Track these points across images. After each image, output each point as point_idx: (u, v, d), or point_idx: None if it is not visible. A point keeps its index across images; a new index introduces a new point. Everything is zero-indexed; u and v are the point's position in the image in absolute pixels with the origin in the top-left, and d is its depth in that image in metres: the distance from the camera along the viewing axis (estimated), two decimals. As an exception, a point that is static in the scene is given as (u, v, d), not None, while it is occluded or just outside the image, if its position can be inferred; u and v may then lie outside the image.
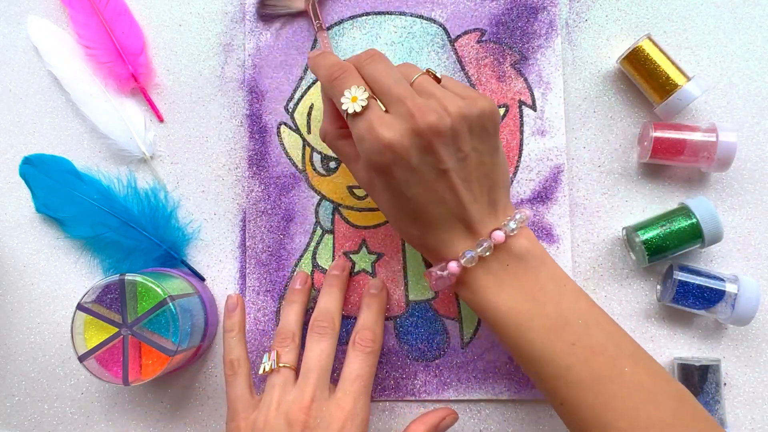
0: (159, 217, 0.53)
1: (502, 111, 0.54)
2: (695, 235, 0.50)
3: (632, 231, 0.51)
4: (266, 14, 0.54)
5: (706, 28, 0.55)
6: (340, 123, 0.45)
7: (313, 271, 0.53)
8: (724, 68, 0.55)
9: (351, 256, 0.53)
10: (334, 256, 0.53)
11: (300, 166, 0.54)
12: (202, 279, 0.54)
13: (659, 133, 0.51)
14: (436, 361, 0.52)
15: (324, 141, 0.46)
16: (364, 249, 0.53)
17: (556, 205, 0.53)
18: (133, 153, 0.54)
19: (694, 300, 0.50)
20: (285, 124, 0.54)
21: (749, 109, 0.54)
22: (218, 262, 0.54)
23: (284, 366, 0.46)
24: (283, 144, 0.54)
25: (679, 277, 0.50)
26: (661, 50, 0.52)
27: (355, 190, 0.54)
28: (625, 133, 0.55)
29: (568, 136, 0.54)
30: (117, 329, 0.47)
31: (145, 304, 0.47)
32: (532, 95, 0.54)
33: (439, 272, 0.43)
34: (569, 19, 0.56)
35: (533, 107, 0.54)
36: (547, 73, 0.54)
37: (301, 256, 0.53)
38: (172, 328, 0.46)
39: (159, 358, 0.47)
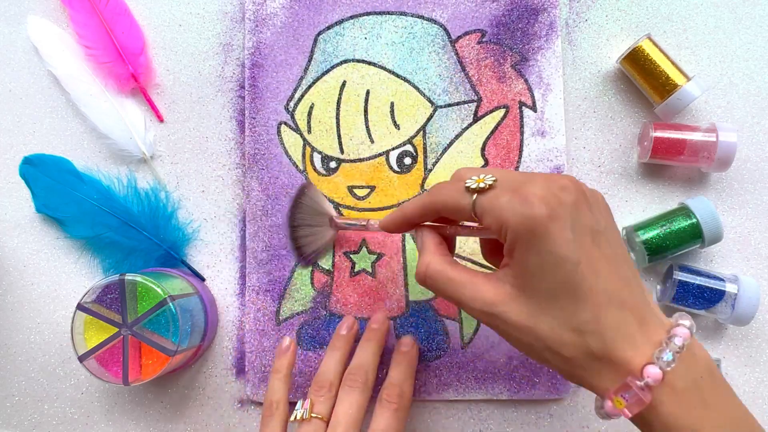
0: (159, 217, 0.53)
1: (502, 112, 0.53)
2: (695, 235, 0.50)
3: (632, 231, 0.51)
4: (309, 256, 0.53)
5: (706, 28, 0.55)
6: (442, 250, 0.41)
7: (312, 272, 0.53)
8: (724, 68, 0.55)
9: (351, 255, 0.53)
10: (334, 255, 0.53)
11: (300, 165, 0.53)
12: (202, 279, 0.54)
13: (659, 133, 0.51)
14: (436, 361, 0.52)
15: (426, 279, 0.39)
16: (364, 249, 0.53)
17: None
18: (133, 153, 0.54)
19: (694, 300, 0.50)
20: (285, 123, 0.54)
21: (749, 109, 0.54)
22: (218, 262, 0.54)
23: (316, 417, 0.44)
24: (283, 143, 0.54)
25: (679, 277, 0.50)
26: (661, 50, 0.52)
27: (355, 190, 0.53)
28: (625, 133, 0.54)
29: (568, 136, 0.54)
30: (117, 329, 0.46)
31: (145, 304, 0.47)
32: (533, 96, 0.53)
33: (635, 382, 0.33)
34: (569, 19, 0.55)
35: (533, 108, 0.53)
36: (548, 75, 0.53)
37: None
38: (172, 328, 0.46)
39: (159, 358, 0.46)
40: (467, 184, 0.37)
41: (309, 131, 0.54)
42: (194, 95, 0.55)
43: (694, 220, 0.50)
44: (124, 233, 0.52)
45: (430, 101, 0.54)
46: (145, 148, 0.54)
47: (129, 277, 0.46)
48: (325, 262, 0.53)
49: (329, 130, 0.54)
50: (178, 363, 0.49)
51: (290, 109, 0.54)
